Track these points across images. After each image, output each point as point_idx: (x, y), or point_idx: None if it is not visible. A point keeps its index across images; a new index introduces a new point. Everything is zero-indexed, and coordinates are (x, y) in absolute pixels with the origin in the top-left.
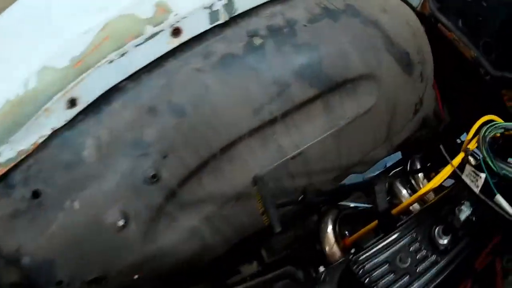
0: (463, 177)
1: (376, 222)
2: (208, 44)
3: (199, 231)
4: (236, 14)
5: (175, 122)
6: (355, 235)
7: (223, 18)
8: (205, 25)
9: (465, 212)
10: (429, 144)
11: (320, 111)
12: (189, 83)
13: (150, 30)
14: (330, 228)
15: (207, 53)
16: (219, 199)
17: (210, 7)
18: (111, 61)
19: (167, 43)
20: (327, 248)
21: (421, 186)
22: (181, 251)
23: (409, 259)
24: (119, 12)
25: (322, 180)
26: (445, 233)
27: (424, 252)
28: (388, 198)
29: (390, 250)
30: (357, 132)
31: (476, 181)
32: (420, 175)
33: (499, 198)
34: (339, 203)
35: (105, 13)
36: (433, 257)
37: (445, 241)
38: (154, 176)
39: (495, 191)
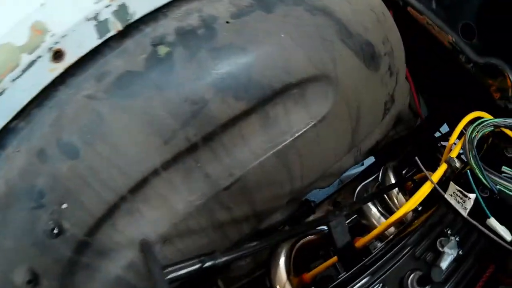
0: (447, 197)
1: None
2: (103, 62)
3: (124, 280)
4: (133, 20)
5: (68, 166)
6: (313, 271)
7: (115, 28)
8: (94, 41)
9: (448, 257)
10: (404, 145)
11: (256, 127)
12: (81, 115)
13: (26, 59)
14: (282, 262)
15: (101, 74)
16: (137, 245)
17: (95, 17)
18: None
19: (49, 70)
20: (277, 286)
21: (395, 200)
22: None
23: None
24: None
25: (269, 208)
26: (421, 284)
27: None
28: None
29: None
30: (311, 146)
31: (463, 202)
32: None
33: (493, 222)
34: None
35: None
36: None
37: None
38: (54, 229)
39: (489, 213)
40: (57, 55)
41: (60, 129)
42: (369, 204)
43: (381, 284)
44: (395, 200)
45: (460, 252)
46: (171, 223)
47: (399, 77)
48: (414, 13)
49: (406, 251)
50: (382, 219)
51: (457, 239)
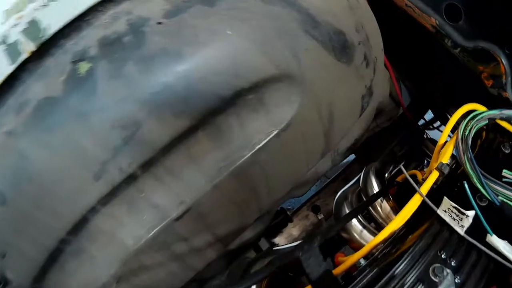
0: (440, 213)
1: None
2: (22, 89)
3: None
4: (47, 37)
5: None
6: None
7: (27, 50)
8: (7, 67)
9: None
10: (386, 138)
11: (206, 145)
12: (2, 155)
13: None
14: None
15: (20, 104)
16: (93, 285)
17: (3, 41)
18: None
19: None
20: None
21: (379, 209)
22: None
23: None
24: None
25: (234, 231)
26: None
27: None
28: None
29: None
30: (276, 158)
31: (459, 220)
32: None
33: (495, 240)
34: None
35: None
36: None
37: None
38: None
39: (490, 231)
40: None
41: None
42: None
43: None
44: (379, 208)
45: (457, 280)
46: (123, 260)
47: (377, 67)
48: None
49: (393, 285)
50: (365, 232)
51: (453, 263)
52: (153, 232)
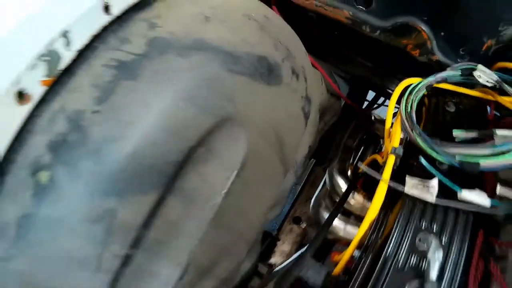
0: (407, 191)
1: None
2: None
3: None
4: (1, 157)
5: None
6: None
7: None
8: None
9: (435, 263)
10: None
11: (179, 208)
12: (7, 281)
13: None
14: None
15: (1, 233)
16: None
17: None
18: None
19: None
20: None
21: (352, 201)
22: None
23: None
24: None
25: (233, 269)
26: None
27: None
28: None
29: None
30: (245, 195)
31: (427, 189)
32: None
33: (465, 194)
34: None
35: None
36: None
37: None
38: None
39: (458, 188)
40: None
41: None
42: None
43: None
44: (352, 202)
45: (444, 240)
46: None
47: (306, 74)
48: (300, 2)
49: (389, 264)
50: (348, 227)
51: (435, 228)
52: None
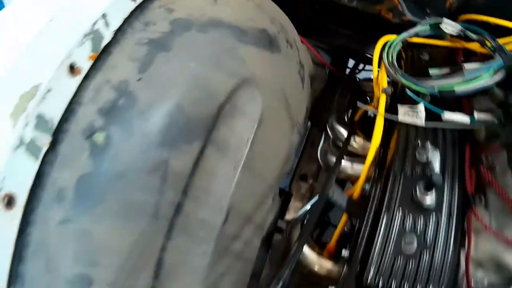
0: (400, 119)
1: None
2: (52, 181)
3: None
4: (55, 127)
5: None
6: (333, 239)
7: (46, 142)
8: (33, 165)
9: (435, 158)
10: (330, 99)
11: (216, 157)
12: (67, 245)
13: None
14: (306, 248)
15: (58, 193)
16: None
17: (21, 142)
18: None
19: (8, 219)
20: (316, 267)
21: (354, 144)
22: None
23: (413, 236)
24: None
25: (264, 216)
26: (427, 189)
27: (421, 221)
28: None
29: (391, 243)
30: (265, 144)
31: (416, 114)
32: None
33: (447, 115)
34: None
35: None
36: (432, 219)
37: (432, 196)
38: None
39: (440, 110)
40: (9, 202)
41: (58, 268)
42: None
43: (400, 210)
44: (355, 145)
45: (439, 151)
46: (202, 280)
47: (297, 44)
48: None
49: (399, 177)
50: (355, 165)
51: (429, 145)
52: (212, 243)
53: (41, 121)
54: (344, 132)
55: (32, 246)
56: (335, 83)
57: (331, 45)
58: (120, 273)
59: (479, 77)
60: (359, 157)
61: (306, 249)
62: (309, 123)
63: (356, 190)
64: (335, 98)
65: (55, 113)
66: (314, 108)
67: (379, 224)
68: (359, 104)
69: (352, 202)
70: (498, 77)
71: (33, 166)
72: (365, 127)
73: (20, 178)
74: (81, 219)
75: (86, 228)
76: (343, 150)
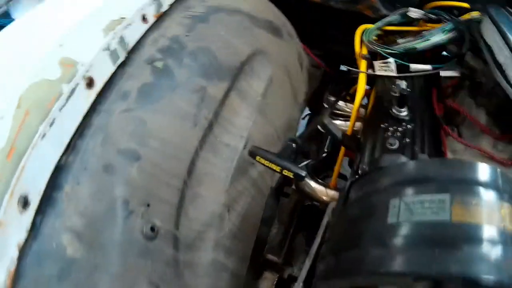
0: (378, 72)
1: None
2: (118, 87)
3: (217, 261)
4: (129, 49)
5: (136, 167)
6: (335, 174)
7: (122, 55)
8: (110, 68)
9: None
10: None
11: (237, 100)
12: (126, 126)
13: (66, 88)
14: (313, 183)
15: (123, 94)
16: (212, 223)
17: (108, 48)
18: (43, 135)
19: (85, 97)
20: (324, 197)
21: (348, 109)
22: None
23: (395, 140)
24: (27, 82)
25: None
26: (400, 106)
27: (400, 129)
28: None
29: (379, 146)
30: (273, 101)
31: (388, 67)
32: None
33: (413, 66)
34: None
35: (11, 89)
36: (409, 127)
37: (405, 111)
38: (150, 230)
39: (407, 63)
40: (89, 83)
41: (114, 142)
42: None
43: (382, 126)
44: (346, 109)
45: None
46: (225, 191)
47: (296, 40)
48: None
49: (379, 104)
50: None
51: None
52: (235, 162)
53: (122, 41)
54: (341, 103)
55: (94, 127)
56: (329, 80)
57: (325, 50)
58: (163, 158)
59: (435, 35)
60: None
61: (313, 183)
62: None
63: (350, 126)
64: (329, 86)
65: (130, 41)
66: (312, 99)
67: (367, 137)
68: (343, 67)
69: (346, 135)
70: (451, 35)
71: (111, 68)
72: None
73: (100, 70)
74: (140, 110)
75: (142, 117)
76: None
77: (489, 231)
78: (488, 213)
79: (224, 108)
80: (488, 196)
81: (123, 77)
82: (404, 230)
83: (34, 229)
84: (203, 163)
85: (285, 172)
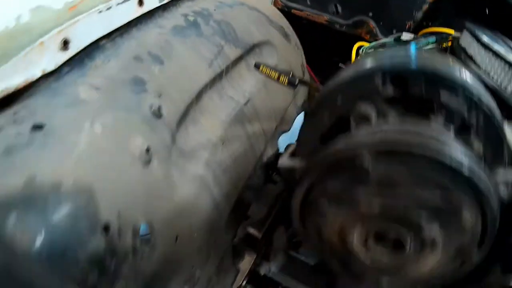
0: None
1: None
2: (156, 20)
3: (205, 180)
4: (165, 2)
5: (159, 68)
6: None
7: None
8: (156, 3)
9: None
10: None
11: (246, 69)
12: (158, 41)
13: None
14: None
15: (160, 25)
16: (207, 145)
17: None
18: (100, 11)
19: (135, 11)
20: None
21: None
22: (198, 208)
23: None
24: None
25: (269, 127)
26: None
27: None
28: None
29: None
30: (276, 85)
31: None
32: None
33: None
34: None
35: None
36: None
37: None
38: (160, 109)
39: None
40: (140, 2)
41: (146, 45)
42: None
43: None
44: None
45: None
46: (223, 127)
47: (301, 52)
48: (297, 12)
49: None
50: None
51: None
52: (235, 111)
53: None
54: None
55: (133, 33)
56: None
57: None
58: (179, 74)
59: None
60: None
61: None
62: None
63: None
64: None
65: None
66: None
67: None
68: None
69: None
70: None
71: (157, 3)
72: None
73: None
74: (170, 37)
75: (171, 41)
76: None
77: None
78: None
79: (234, 69)
80: None
81: (162, 16)
82: None
83: (60, 71)
84: (208, 99)
85: (281, 78)
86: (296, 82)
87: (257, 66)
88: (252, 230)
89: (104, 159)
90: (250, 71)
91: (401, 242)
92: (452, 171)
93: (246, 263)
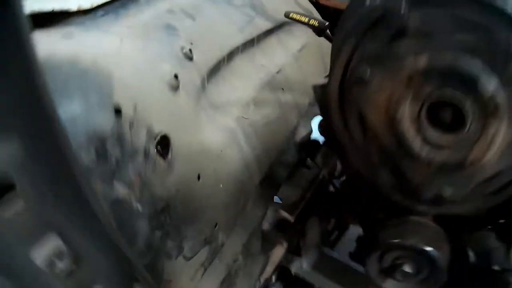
0: None
1: None
2: None
3: (234, 134)
4: None
5: (191, 22)
6: None
7: None
8: None
9: None
10: None
11: (277, 43)
12: (189, 2)
13: None
14: None
15: None
16: (238, 103)
17: None
18: None
19: None
20: None
21: None
22: (225, 158)
23: None
24: None
25: (302, 101)
26: None
27: None
28: None
29: None
30: (306, 61)
31: None
32: None
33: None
34: None
35: None
36: None
37: None
38: (191, 52)
39: None
40: None
41: (178, 4)
42: None
43: None
44: None
45: None
46: (255, 90)
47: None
48: (324, 2)
49: None
50: None
51: None
52: (267, 78)
53: None
54: None
55: None
56: None
57: None
58: (212, 32)
59: None
60: None
61: None
62: None
63: None
64: None
65: None
66: None
67: None
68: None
69: None
70: None
71: None
72: None
73: None
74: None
75: (202, 5)
76: None
77: None
78: None
79: (265, 41)
80: None
81: None
82: None
83: (95, 13)
84: (240, 61)
85: (311, 22)
86: (326, 24)
87: (286, 15)
88: (284, 213)
89: (127, 64)
90: (281, 44)
91: (459, 117)
92: (495, 10)
93: (277, 252)
